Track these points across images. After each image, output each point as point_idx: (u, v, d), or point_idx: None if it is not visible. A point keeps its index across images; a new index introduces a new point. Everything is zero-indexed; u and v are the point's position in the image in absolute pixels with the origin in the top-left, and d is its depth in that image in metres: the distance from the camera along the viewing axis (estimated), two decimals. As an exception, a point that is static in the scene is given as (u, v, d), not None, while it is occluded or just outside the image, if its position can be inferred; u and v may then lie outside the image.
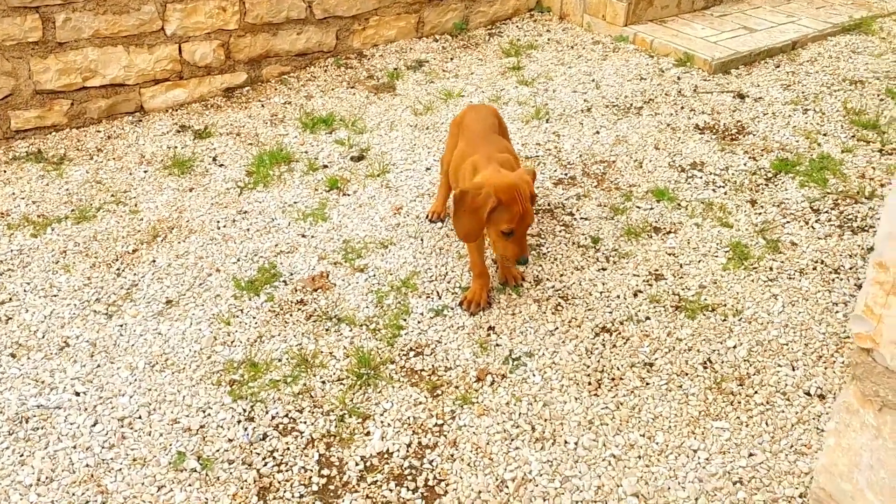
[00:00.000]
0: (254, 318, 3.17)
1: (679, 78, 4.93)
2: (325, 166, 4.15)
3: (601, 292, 3.28)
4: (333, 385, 2.87)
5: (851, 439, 1.78)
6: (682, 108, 4.60)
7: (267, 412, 2.77)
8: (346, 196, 3.91)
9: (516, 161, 3.24)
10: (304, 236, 3.63)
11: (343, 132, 4.46)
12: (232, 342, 3.06)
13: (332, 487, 2.51)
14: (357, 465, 2.58)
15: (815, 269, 3.38)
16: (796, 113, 4.53)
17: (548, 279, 3.35)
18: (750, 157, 4.12)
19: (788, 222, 3.66)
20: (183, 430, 2.69)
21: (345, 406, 2.79)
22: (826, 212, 3.71)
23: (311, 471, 2.56)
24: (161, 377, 2.89)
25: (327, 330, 3.11)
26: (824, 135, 4.31)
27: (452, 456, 2.61)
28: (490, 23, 5.82)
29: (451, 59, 5.34)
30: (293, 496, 2.48)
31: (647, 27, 5.46)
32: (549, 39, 5.57)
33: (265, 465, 2.57)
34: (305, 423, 2.73)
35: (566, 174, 4.03)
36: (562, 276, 3.36)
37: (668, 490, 2.49)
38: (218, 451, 2.62)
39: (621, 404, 2.79)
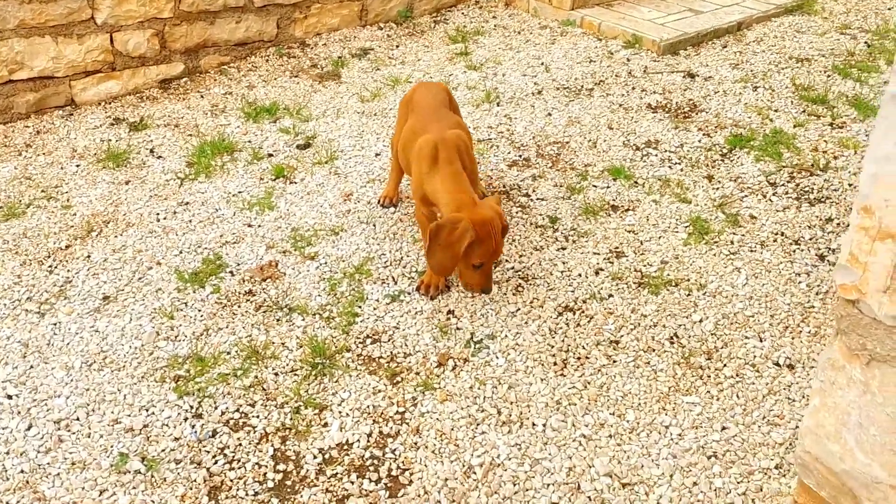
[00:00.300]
0: (199, 310, 2.99)
1: (628, 59, 4.87)
2: (271, 155, 3.99)
3: (562, 272, 3.18)
4: (287, 376, 2.72)
5: (838, 397, 1.70)
6: (634, 88, 4.53)
7: (216, 408, 2.60)
8: (294, 184, 3.75)
9: (469, 137, 3.13)
10: (250, 226, 3.46)
11: (288, 121, 4.29)
12: (176, 337, 2.88)
13: (288, 483, 2.36)
14: (315, 458, 2.43)
15: (775, 241, 3.33)
16: (746, 90, 4.50)
17: (507, 260, 3.23)
18: (704, 134, 4.07)
19: (746, 196, 3.61)
20: (125, 430, 2.51)
21: (300, 397, 2.63)
22: (783, 185, 3.67)
23: (266, 466, 2.40)
24: (99, 376, 2.70)
25: (278, 320, 2.95)
26: (775, 111, 4.28)
27: (416, 444, 2.48)
28: (435, 10, 5.70)
29: (397, 46, 5.21)
30: (247, 494, 2.32)
31: (593, 11, 5.40)
32: (495, 25, 5.48)
33: (215, 463, 2.41)
34: (258, 416, 2.57)
35: (520, 156, 3.93)
36: (521, 256, 3.25)
37: (641, 468, 2.40)
38: (164, 450, 2.44)
39: (588, 383, 2.69)
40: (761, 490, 2.33)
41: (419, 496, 2.31)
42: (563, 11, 5.40)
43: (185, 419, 2.56)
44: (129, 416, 2.56)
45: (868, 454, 1.65)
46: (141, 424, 2.53)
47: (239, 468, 2.39)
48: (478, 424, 2.54)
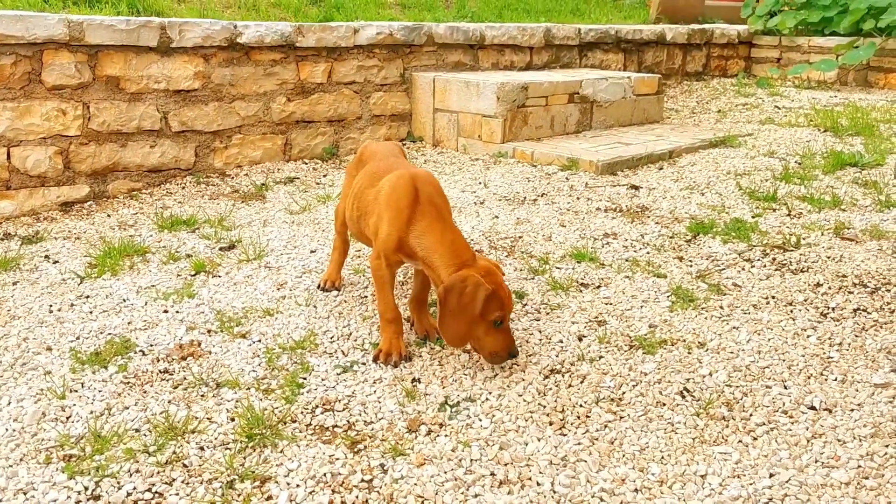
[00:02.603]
0: (99, 391, 2.38)
1: (567, 178, 4.71)
2: (189, 255, 3.49)
3: (539, 340, 2.73)
4: (216, 450, 2.10)
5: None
6: (579, 198, 4.32)
7: (120, 487, 1.95)
8: (217, 277, 3.25)
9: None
10: (166, 311, 2.91)
11: (209, 229, 3.84)
12: (68, 417, 2.24)
13: (221, 565, 1.71)
14: (257, 534, 1.80)
15: (768, 303, 2.99)
16: (694, 195, 4.35)
17: (474, 331, 2.76)
18: (663, 227, 3.83)
19: (723, 269, 3.30)
20: (-9, 516, 1.84)
21: (233, 470, 2.02)
22: (758, 259, 3.40)
23: (190, 548, 1.75)
24: (-39, 461, 2.03)
25: (203, 395, 2.36)
26: (729, 207, 4.11)
27: (391, 512, 1.88)
28: (361, 150, 5.51)
29: (325, 175, 4.93)
30: (163, 581, 1.66)
31: (524, 143, 5.31)
32: (426, 160, 5.30)
33: (118, 548, 1.75)
34: (178, 494, 1.93)
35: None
36: (490, 327, 2.80)
37: (685, 522, 1.86)
38: (45, 537, 1.77)
39: (596, 439, 2.18)
40: (842, 533, 1.82)
41: (404, 569, 1.70)
42: (494, 145, 5.30)
43: (77, 502, 1.90)
44: (2, 501, 1.89)
45: None
46: (14, 509, 1.86)
47: (151, 552, 1.74)
48: (468, 486, 1.98)
